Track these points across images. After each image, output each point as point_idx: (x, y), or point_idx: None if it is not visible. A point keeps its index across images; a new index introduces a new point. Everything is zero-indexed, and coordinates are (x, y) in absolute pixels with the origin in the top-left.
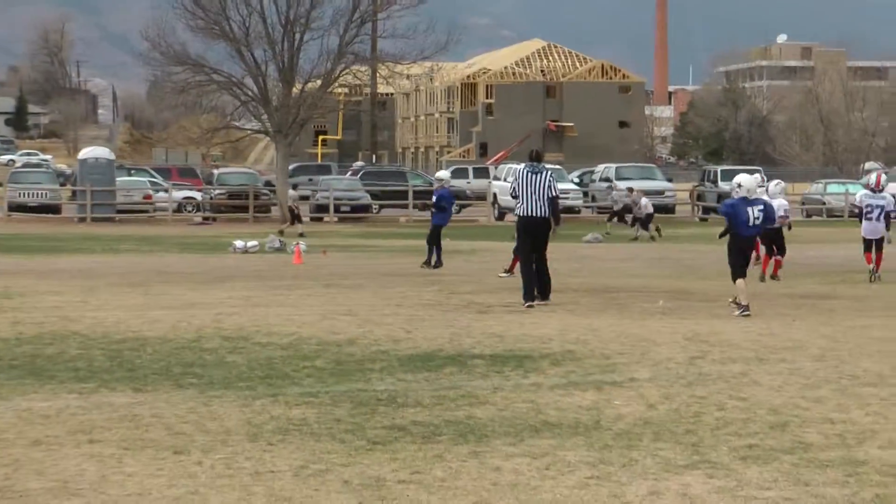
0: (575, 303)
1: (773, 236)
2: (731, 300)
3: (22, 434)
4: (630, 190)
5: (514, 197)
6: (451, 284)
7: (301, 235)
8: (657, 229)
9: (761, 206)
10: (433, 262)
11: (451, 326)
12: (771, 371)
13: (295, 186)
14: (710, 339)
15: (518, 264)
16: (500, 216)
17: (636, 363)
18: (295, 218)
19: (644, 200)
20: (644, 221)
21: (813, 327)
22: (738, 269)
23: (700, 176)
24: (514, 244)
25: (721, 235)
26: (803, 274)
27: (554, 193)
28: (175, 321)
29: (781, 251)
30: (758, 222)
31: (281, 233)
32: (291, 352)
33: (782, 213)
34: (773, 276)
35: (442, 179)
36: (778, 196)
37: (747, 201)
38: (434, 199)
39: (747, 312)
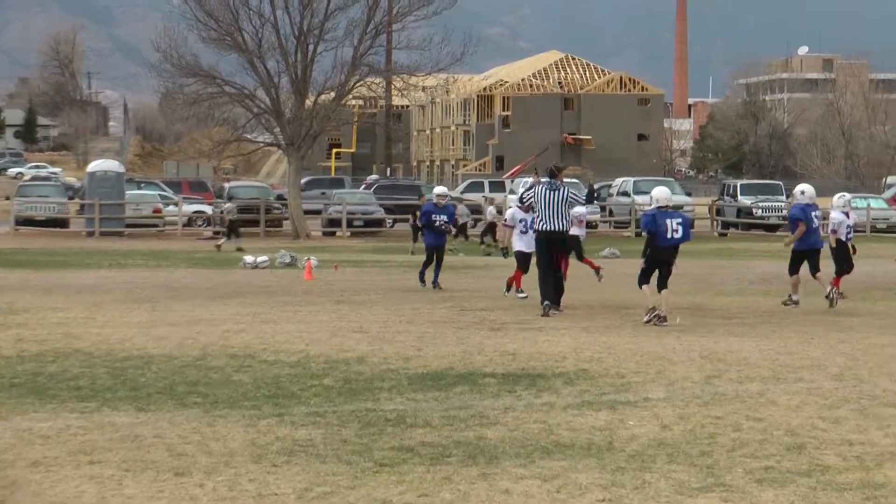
0: (590, 320)
1: (837, 253)
2: (646, 315)
3: (20, 455)
4: None
5: (522, 203)
6: (464, 301)
7: (240, 250)
8: None
9: (679, 219)
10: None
11: (462, 344)
12: (788, 391)
13: (230, 199)
14: (726, 357)
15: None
16: None
17: (651, 382)
18: (232, 232)
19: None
20: None
21: (831, 345)
22: (646, 276)
23: (719, 190)
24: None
25: (644, 252)
26: (821, 291)
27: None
28: (181, 338)
29: (843, 267)
30: (676, 235)
31: (218, 248)
32: (299, 370)
33: (832, 228)
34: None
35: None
36: (836, 209)
37: (665, 213)
38: (446, 218)
39: (658, 314)
